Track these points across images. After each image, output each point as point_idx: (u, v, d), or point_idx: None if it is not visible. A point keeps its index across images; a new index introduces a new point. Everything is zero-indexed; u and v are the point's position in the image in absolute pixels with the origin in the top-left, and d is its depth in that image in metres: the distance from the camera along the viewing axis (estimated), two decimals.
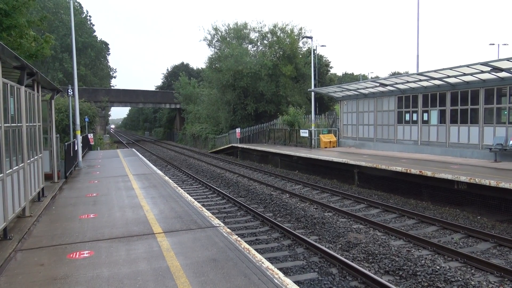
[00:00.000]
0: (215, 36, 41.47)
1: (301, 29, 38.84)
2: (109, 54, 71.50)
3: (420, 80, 20.17)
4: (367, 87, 24.46)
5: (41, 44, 18.19)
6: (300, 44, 40.09)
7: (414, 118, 21.89)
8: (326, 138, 27.90)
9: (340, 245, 10.07)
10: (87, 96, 48.81)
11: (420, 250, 9.56)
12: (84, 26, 62.34)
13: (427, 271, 8.07)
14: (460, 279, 7.62)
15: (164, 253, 6.34)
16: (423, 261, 8.62)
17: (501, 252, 9.44)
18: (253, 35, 40.83)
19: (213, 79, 40.07)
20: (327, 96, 38.69)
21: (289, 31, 38.64)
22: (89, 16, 66.29)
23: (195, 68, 75.71)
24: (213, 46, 42.10)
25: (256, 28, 40.79)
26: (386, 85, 22.64)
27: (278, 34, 38.75)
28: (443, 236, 10.78)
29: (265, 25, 52.91)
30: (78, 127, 20.04)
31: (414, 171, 14.91)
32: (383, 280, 7.42)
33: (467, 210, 13.27)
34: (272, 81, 37.12)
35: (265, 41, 40.19)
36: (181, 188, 13.55)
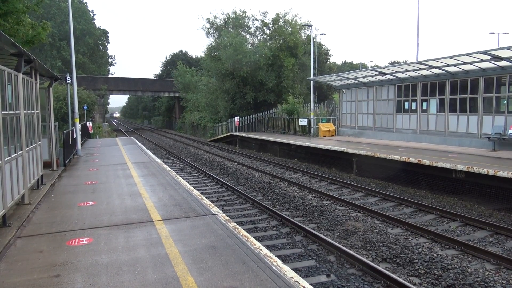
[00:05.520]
0: (214, 24, 41.18)
1: (305, 23, 38.45)
2: (108, 42, 71.01)
3: (420, 69, 20.10)
4: (366, 76, 24.38)
5: (38, 31, 18.04)
6: (302, 34, 39.81)
7: (413, 107, 21.87)
8: (325, 127, 27.89)
9: (338, 233, 10.13)
10: (85, 84, 48.56)
11: (417, 238, 9.62)
12: (84, 14, 61.72)
13: (424, 258, 8.13)
14: (457, 267, 7.68)
15: (163, 240, 6.38)
16: (420, 249, 8.68)
17: (498, 240, 9.51)
18: (252, 24, 40.52)
19: (211, 68, 39.83)
20: (326, 85, 38.58)
21: (292, 22, 38.26)
22: (86, 2, 65.41)
23: (194, 56, 75.25)
24: (212, 35, 41.83)
25: (254, 15, 40.57)
26: (386, 74, 22.56)
27: (280, 23, 38.42)
28: (441, 225, 10.85)
29: (267, 12, 52.51)
30: (76, 115, 20.01)
31: (412, 160, 14.94)
32: (381, 268, 7.47)
33: (465, 199, 13.33)
34: (273, 70, 36.92)
35: (266, 30, 39.88)
36: (180, 176, 13.59)
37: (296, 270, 7.56)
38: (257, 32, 40.71)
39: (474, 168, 12.66)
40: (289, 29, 37.97)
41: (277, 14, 38.73)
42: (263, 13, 44.51)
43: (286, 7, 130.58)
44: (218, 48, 38.41)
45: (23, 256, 5.85)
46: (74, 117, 20.17)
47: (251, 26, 40.61)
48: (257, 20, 40.41)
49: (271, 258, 5.64)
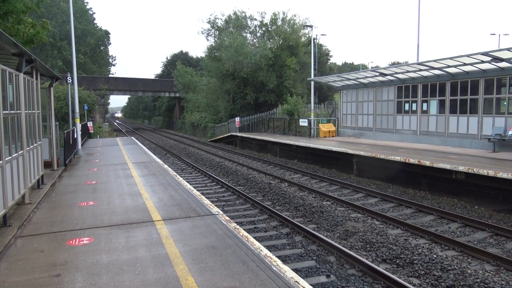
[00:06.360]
0: (214, 25, 41.25)
1: (305, 23, 38.44)
2: (110, 43, 71.04)
3: (420, 70, 20.11)
4: (366, 77, 24.39)
5: (38, 30, 18.05)
6: (302, 34, 39.86)
7: (414, 108, 21.87)
8: (325, 127, 27.89)
9: (338, 234, 10.14)
10: (86, 84, 48.59)
11: (417, 239, 9.62)
12: (85, 14, 61.76)
13: (424, 259, 8.14)
14: (457, 268, 7.69)
15: (163, 240, 6.39)
16: (420, 249, 8.69)
17: (498, 241, 9.51)
18: (252, 24, 40.55)
19: (212, 68, 39.85)
20: (326, 85, 38.60)
21: (291, 21, 38.33)
22: (87, 2, 65.44)
23: (194, 56, 75.34)
24: (212, 36, 41.90)
25: (253, 15, 40.58)
26: (386, 75, 22.57)
27: (279, 23, 38.48)
28: (441, 226, 10.85)
29: (265, 13, 52.61)
30: (77, 115, 20.02)
31: (412, 160, 14.94)
32: (380, 268, 7.49)
33: (465, 200, 13.34)
34: (274, 71, 36.94)
35: (264, 30, 39.87)
36: (180, 176, 13.59)
37: (296, 270, 7.57)
38: (258, 34, 40.74)
39: (474, 169, 12.66)
40: (289, 29, 38.01)
41: (274, 14, 38.79)
42: (262, 13, 44.61)
43: (285, 7, 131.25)
44: (219, 49, 38.44)
45: (23, 256, 5.86)
46: (74, 117, 20.19)
47: (250, 26, 40.66)
48: (255, 19, 40.48)
49: (271, 258, 5.65)
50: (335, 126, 28.60)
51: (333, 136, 27.67)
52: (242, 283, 4.82)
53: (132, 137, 36.44)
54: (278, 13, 38.91)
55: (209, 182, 17.60)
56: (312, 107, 30.96)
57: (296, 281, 4.89)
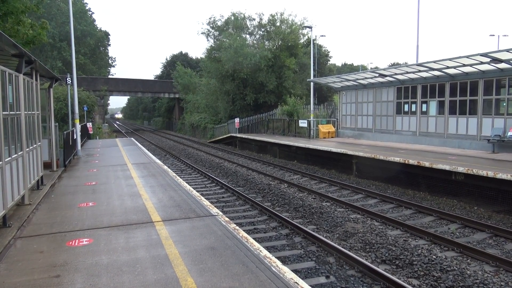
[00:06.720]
0: (214, 26, 41.31)
1: (304, 23, 38.48)
2: (109, 44, 70.96)
3: (420, 71, 20.13)
4: (366, 78, 24.41)
5: (38, 31, 18.04)
6: (301, 34, 39.93)
7: (413, 109, 21.90)
8: (324, 128, 27.91)
9: (337, 235, 10.14)
10: (86, 85, 48.58)
11: (416, 240, 9.63)
12: (85, 14, 61.75)
13: (423, 260, 8.14)
14: (456, 269, 7.70)
15: (163, 241, 6.39)
16: (419, 250, 8.69)
17: (497, 242, 9.52)
18: (251, 24, 40.57)
19: (212, 69, 39.86)
20: (326, 86, 38.61)
21: (290, 21, 38.41)
22: (86, 3, 65.40)
23: (194, 57, 75.31)
24: (211, 37, 41.95)
25: (251, 16, 40.62)
26: (385, 76, 22.60)
27: (278, 24, 38.55)
28: (440, 226, 10.86)
29: (263, 14, 52.69)
30: (76, 116, 20.03)
31: (412, 161, 14.95)
32: (380, 269, 7.49)
33: (464, 201, 13.34)
34: (273, 71, 36.98)
35: (263, 30, 39.92)
36: (180, 177, 13.59)
37: (295, 271, 7.57)
38: (257, 35, 40.80)
39: (474, 170, 12.68)
40: (287, 30, 38.06)
41: (272, 15, 38.86)
42: (260, 14, 44.63)
43: (282, 7, 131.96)
44: (219, 50, 38.45)
45: (23, 257, 5.86)
46: (74, 118, 20.20)
47: (249, 27, 40.72)
48: (254, 19, 40.55)
49: (271, 259, 5.65)
50: (334, 127, 28.62)
51: (332, 137, 27.68)
52: (242, 284, 4.83)
53: (132, 138, 36.43)
54: (276, 14, 39.05)
55: (208, 183, 17.60)
56: (311, 108, 30.98)
57: (296, 282, 4.89)
